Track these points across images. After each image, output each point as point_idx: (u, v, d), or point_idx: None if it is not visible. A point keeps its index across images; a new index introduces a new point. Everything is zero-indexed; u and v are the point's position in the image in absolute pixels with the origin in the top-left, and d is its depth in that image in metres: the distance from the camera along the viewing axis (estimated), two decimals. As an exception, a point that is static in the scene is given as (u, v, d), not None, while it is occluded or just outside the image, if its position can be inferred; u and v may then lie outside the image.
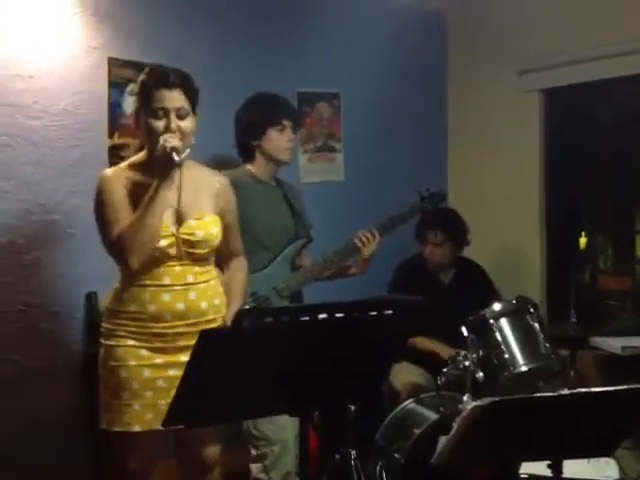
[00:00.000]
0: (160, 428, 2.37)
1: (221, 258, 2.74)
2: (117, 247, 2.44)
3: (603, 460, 2.78)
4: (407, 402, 3.32)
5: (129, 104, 3.39)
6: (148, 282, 2.49)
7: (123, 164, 2.60)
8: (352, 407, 3.22)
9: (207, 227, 2.56)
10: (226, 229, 2.67)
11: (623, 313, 4.33)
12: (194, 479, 2.70)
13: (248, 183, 3.27)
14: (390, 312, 1.96)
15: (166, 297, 2.48)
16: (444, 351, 3.67)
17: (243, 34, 3.92)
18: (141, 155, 2.59)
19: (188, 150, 2.48)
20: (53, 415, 3.20)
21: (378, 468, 3.14)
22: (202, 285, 2.56)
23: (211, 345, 1.80)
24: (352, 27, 4.31)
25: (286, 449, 3.09)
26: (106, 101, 3.43)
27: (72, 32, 3.37)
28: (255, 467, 3.15)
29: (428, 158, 4.73)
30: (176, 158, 2.40)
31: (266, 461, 3.08)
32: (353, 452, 3.22)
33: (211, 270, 2.63)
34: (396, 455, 3.07)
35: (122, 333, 2.50)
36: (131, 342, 2.49)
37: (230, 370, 1.82)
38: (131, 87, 3.37)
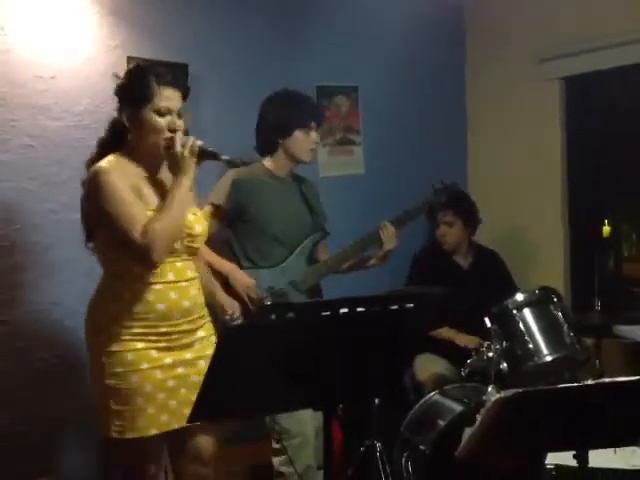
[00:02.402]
0: (176, 427, 2.43)
1: None
2: (143, 243, 2.35)
3: (629, 449, 2.76)
4: (431, 394, 3.33)
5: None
6: (152, 280, 2.44)
7: (113, 158, 2.48)
8: (376, 400, 3.24)
9: (203, 221, 2.61)
10: None
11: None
12: (192, 473, 2.65)
13: (264, 179, 3.28)
14: (411, 306, 1.96)
15: (173, 294, 2.47)
16: (464, 340, 3.68)
17: (261, 30, 3.93)
18: (127, 148, 2.51)
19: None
20: (77, 412, 3.23)
21: (403, 460, 3.15)
22: (196, 280, 2.58)
23: (234, 341, 1.82)
24: (369, 19, 4.30)
25: (306, 442, 3.11)
26: (126, 100, 3.44)
27: (91, 32, 3.40)
28: (277, 460, 3.17)
29: (448, 149, 4.71)
30: (223, 156, 2.50)
31: (287, 454, 3.09)
32: (378, 444, 3.24)
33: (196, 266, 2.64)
34: (421, 447, 3.08)
35: (127, 337, 2.42)
36: (140, 345, 2.42)
37: (253, 365, 1.83)
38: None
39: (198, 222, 2.57)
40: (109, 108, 3.36)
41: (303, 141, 3.27)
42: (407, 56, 4.43)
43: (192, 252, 2.57)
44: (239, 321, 2.74)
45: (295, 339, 1.86)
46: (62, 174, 3.29)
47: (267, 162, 3.32)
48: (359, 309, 1.90)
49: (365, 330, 1.95)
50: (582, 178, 4.53)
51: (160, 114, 2.45)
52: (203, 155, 2.49)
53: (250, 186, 3.23)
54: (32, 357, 3.22)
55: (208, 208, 3.23)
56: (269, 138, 3.29)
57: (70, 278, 3.29)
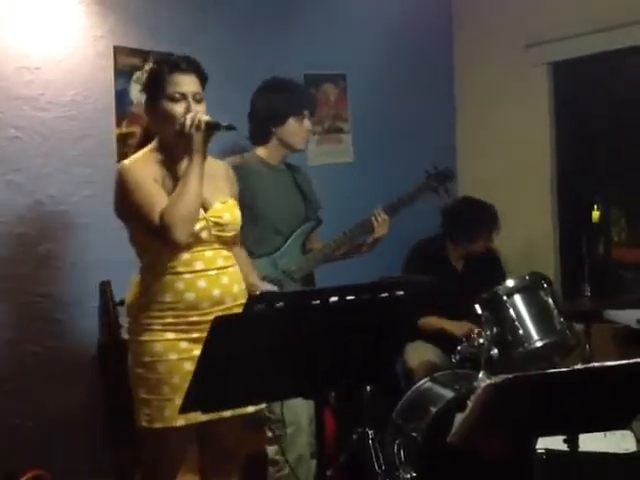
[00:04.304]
0: (203, 419, 2.39)
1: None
2: (162, 225, 2.38)
3: (619, 433, 2.78)
4: (423, 381, 3.33)
5: (136, 92, 3.39)
6: (181, 269, 2.45)
7: (139, 154, 2.56)
8: (368, 388, 3.24)
9: (232, 210, 2.58)
10: None
11: (638, 285, 4.31)
12: (217, 467, 2.67)
13: (257, 167, 3.27)
14: (401, 293, 1.96)
15: (202, 283, 2.46)
16: (455, 328, 3.68)
17: (248, 18, 3.90)
18: (154, 144, 2.57)
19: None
20: (71, 404, 3.23)
21: (395, 447, 3.16)
22: (231, 269, 2.56)
23: (224, 331, 1.81)
24: (356, 6, 4.28)
25: (299, 431, 3.11)
26: (113, 90, 3.43)
27: (77, 22, 3.36)
28: (271, 449, 3.17)
29: (436, 136, 4.70)
30: (223, 123, 2.45)
31: (282, 443, 3.10)
32: (370, 432, 3.25)
33: (232, 255, 2.62)
34: (413, 434, 3.09)
35: (158, 327, 2.45)
36: (171, 335, 2.44)
37: (244, 355, 1.83)
38: (137, 75, 3.38)
39: (226, 210, 2.56)
40: (96, 99, 3.39)
41: (297, 129, 3.26)
42: (395, 43, 4.42)
43: (224, 241, 2.55)
44: None
45: (285, 328, 1.86)
46: (49, 166, 3.27)
47: (260, 151, 3.31)
48: (348, 297, 1.90)
49: (355, 318, 1.95)
50: (571, 163, 4.54)
51: (174, 100, 2.47)
52: (210, 128, 2.46)
53: (243, 174, 3.21)
54: (22, 350, 3.20)
55: None
56: (263, 127, 3.28)
57: (58, 271, 3.27)
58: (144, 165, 2.50)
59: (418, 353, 3.77)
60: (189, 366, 2.40)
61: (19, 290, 3.22)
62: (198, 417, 2.38)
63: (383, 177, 4.29)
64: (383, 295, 1.97)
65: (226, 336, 1.81)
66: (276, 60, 3.84)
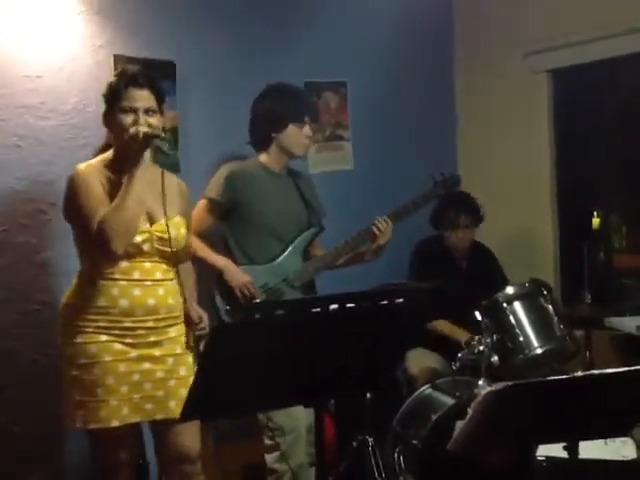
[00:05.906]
0: (135, 422, 2.52)
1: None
2: (99, 234, 2.44)
3: (619, 440, 2.78)
4: (423, 388, 3.33)
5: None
6: (118, 276, 2.52)
7: (94, 160, 2.62)
8: (368, 395, 3.24)
9: (178, 227, 2.62)
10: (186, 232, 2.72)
11: (638, 292, 4.30)
12: (173, 471, 2.69)
13: (259, 174, 3.27)
14: (401, 301, 1.96)
15: (137, 291, 2.52)
16: (459, 334, 3.67)
17: (248, 26, 3.91)
18: (109, 154, 2.63)
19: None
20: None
21: (396, 454, 3.16)
22: (169, 282, 2.62)
23: (223, 339, 1.81)
24: (357, 14, 4.29)
25: (299, 439, 3.10)
26: (113, 98, 3.44)
27: (77, 31, 3.38)
28: (270, 457, 3.16)
29: (438, 143, 4.70)
30: (158, 132, 2.50)
31: (280, 451, 3.09)
32: (370, 439, 3.25)
33: (173, 270, 2.67)
34: (413, 441, 3.09)
35: (91, 329, 2.50)
36: (104, 337, 2.50)
37: (243, 364, 1.83)
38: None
39: (173, 227, 2.59)
40: (96, 107, 3.37)
41: (297, 135, 3.26)
42: (395, 51, 4.42)
43: (166, 256, 2.59)
44: (204, 331, 2.71)
45: (284, 336, 1.86)
46: (50, 174, 3.28)
47: (262, 157, 3.32)
48: (348, 305, 1.90)
49: (355, 325, 1.95)
50: (571, 170, 4.54)
51: (126, 113, 2.54)
52: (147, 139, 2.49)
53: (244, 180, 3.23)
54: (23, 358, 3.21)
55: (203, 203, 3.22)
56: (263, 132, 3.29)
57: (60, 279, 3.27)
58: (95, 171, 2.56)
59: (419, 360, 3.77)
60: (123, 368, 2.49)
61: (19, 298, 3.22)
62: (132, 418, 2.49)
63: (383, 184, 4.29)
64: (383, 303, 1.97)
65: (225, 344, 1.81)
66: (277, 67, 3.85)
